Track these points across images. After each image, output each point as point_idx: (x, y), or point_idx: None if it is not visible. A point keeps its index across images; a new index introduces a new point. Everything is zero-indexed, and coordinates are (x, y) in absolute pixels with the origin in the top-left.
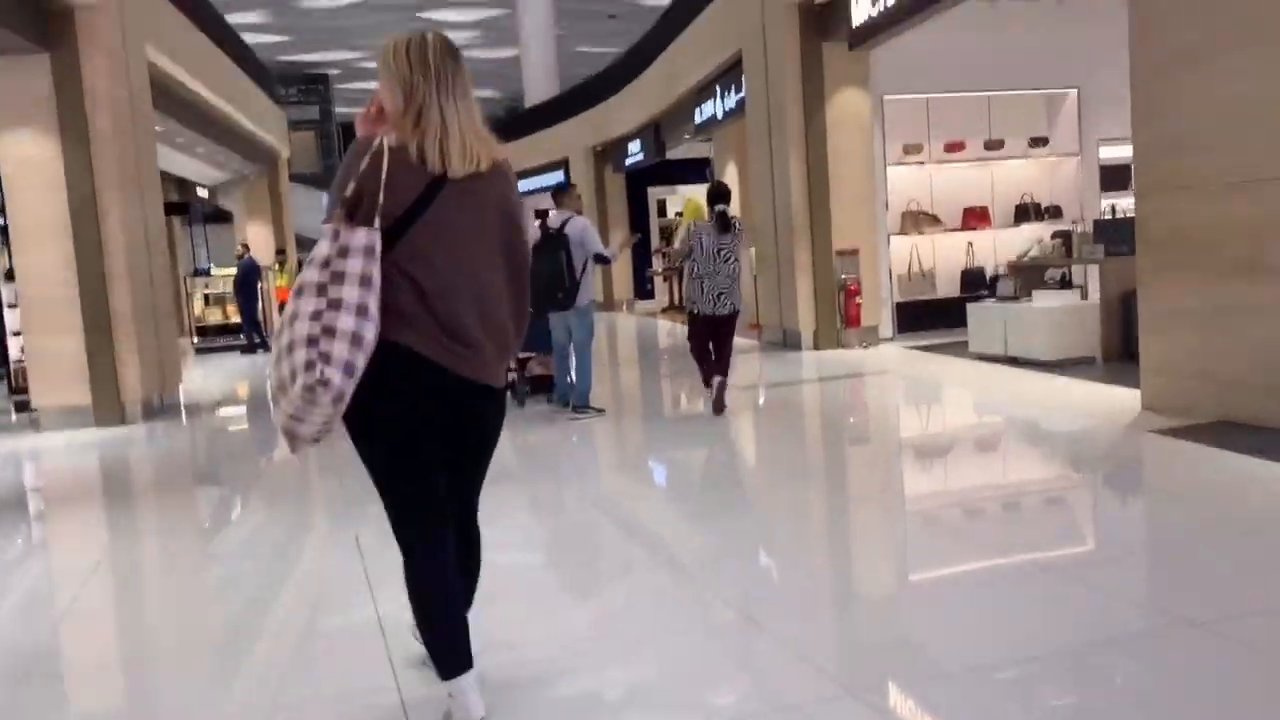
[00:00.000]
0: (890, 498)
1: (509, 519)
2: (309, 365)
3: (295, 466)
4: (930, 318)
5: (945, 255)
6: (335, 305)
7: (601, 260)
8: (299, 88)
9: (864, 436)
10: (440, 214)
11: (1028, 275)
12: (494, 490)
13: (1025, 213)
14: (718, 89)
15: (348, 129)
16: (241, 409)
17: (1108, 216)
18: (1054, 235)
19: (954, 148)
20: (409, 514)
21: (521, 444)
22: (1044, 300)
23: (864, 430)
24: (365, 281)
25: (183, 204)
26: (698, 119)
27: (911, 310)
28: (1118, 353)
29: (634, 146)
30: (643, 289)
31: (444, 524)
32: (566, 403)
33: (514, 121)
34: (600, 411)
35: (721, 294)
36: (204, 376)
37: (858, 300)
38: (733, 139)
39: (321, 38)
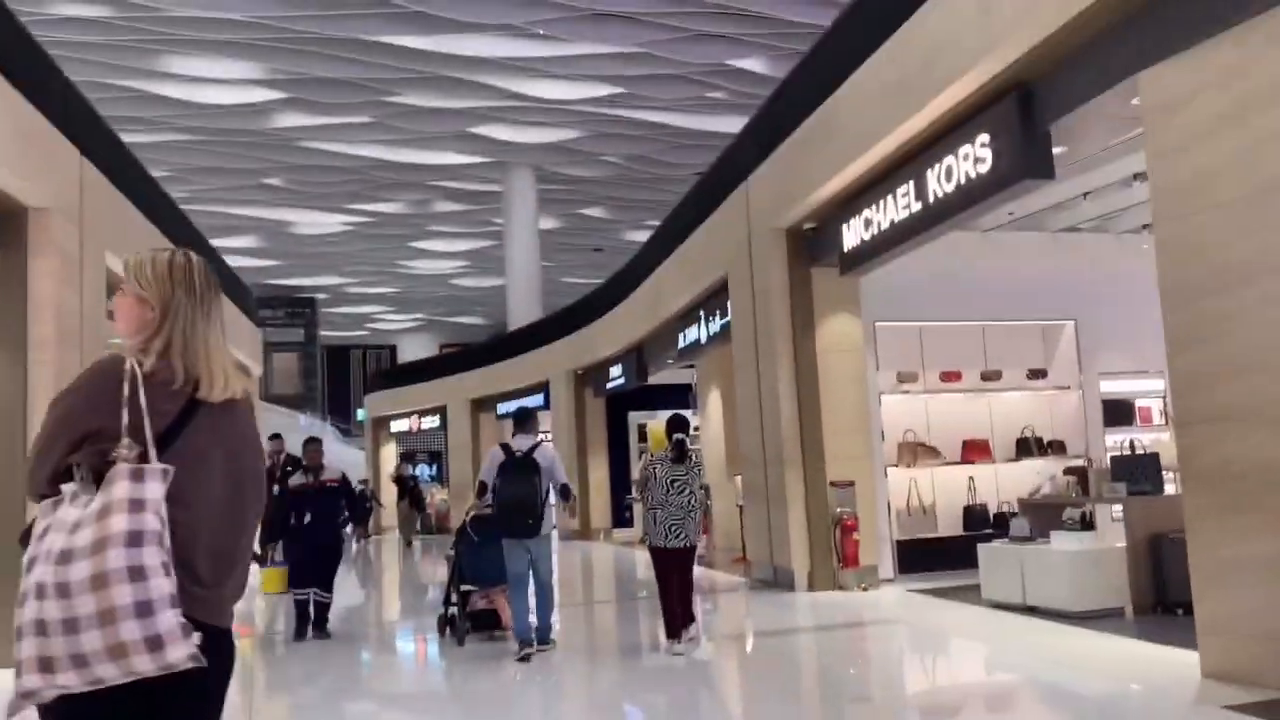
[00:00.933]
0: None
1: None
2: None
3: None
4: (932, 558)
5: (945, 490)
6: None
7: (564, 494)
8: (285, 310)
9: (874, 708)
10: (193, 441)
11: (1041, 514)
12: None
13: (1026, 446)
14: (701, 314)
15: (332, 352)
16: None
17: (1125, 452)
18: (1067, 471)
19: (950, 377)
20: None
21: (473, 693)
22: (1064, 543)
23: (874, 699)
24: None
25: None
26: (681, 344)
27: (912, 549)
28: (1149, 604)
29: (615, 371)
30: (621, 517)
31: None
32: (525, 641)
33: (496, 345)
34: (552, 644)
35: (674, 526)
36: None
37: (855, 537)
38: (716, 365)
39: (310, 263)
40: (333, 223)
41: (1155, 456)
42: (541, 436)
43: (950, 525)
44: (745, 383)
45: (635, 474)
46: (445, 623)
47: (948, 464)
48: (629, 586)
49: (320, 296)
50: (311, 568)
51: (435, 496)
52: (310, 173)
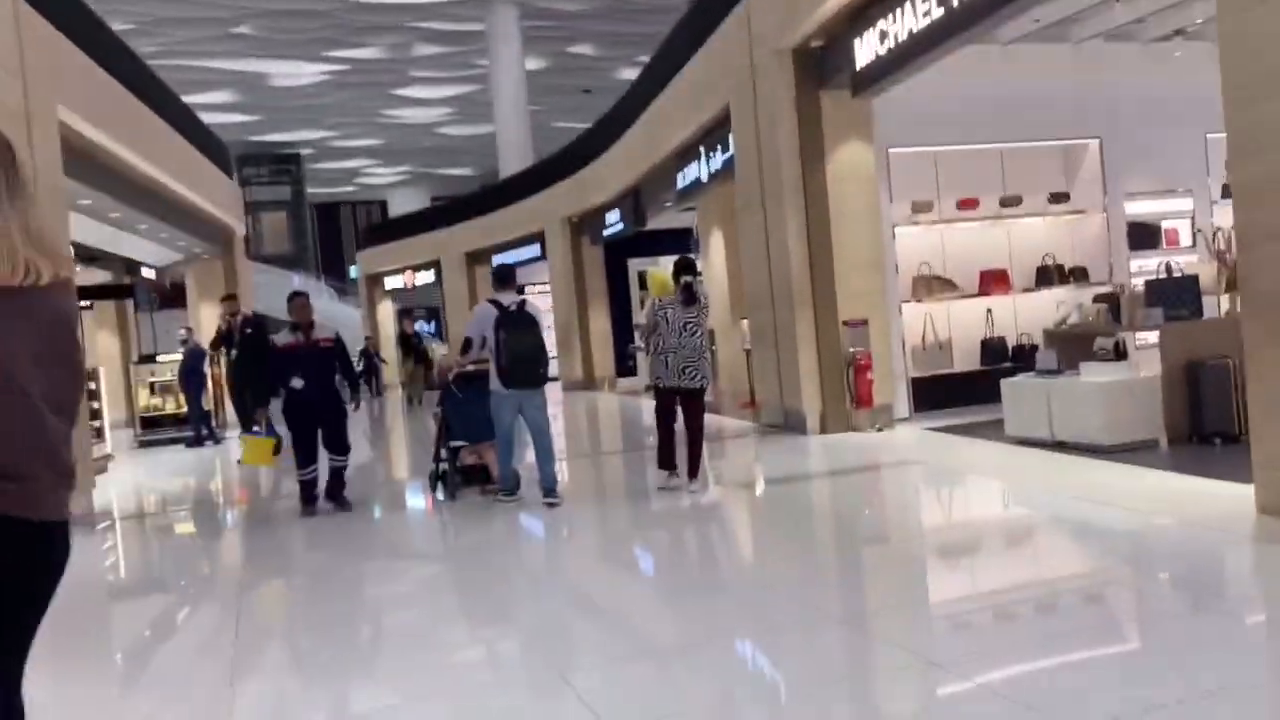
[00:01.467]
0: (945, 660)
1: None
2: None
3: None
4: (949, 395)
5: (962, 324)
6: None
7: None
8: (270, 168)
9: (891, 550)
10: None
11: (1068, 345)
12: None
13: (1047, 275)
14: (702, 150)
15: (321, 209)
16: (158, 519)
17: (1160, 275)
18: (1096, 299)
19: (967, 205)
20: None
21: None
22: (1095, 374)
23: (891, 540)
24: None
25: (126, 286)
26: (680, 184)
27: (928, 387)
28: (1184, 434)
29: (612, 216)
30: (624, 366)
31: None
32: (510, 492)
33: (488, 195)
34: (559, 499)
35: (687, 367)
36: (132, 476)
37: (869, 376)
38: (717, 205)
39: (292, 117)
40: (311, 72)
41: (1194, 279)
42: (524, 296)
43: (967, 360)
44: (750, 220)
45: (642, 319)
46: (436, 479)
47: (964, 297)
48: (636, 435)
49: (305, 152)
50: (309, 438)
51: (436, 353)
52: (282, 18)
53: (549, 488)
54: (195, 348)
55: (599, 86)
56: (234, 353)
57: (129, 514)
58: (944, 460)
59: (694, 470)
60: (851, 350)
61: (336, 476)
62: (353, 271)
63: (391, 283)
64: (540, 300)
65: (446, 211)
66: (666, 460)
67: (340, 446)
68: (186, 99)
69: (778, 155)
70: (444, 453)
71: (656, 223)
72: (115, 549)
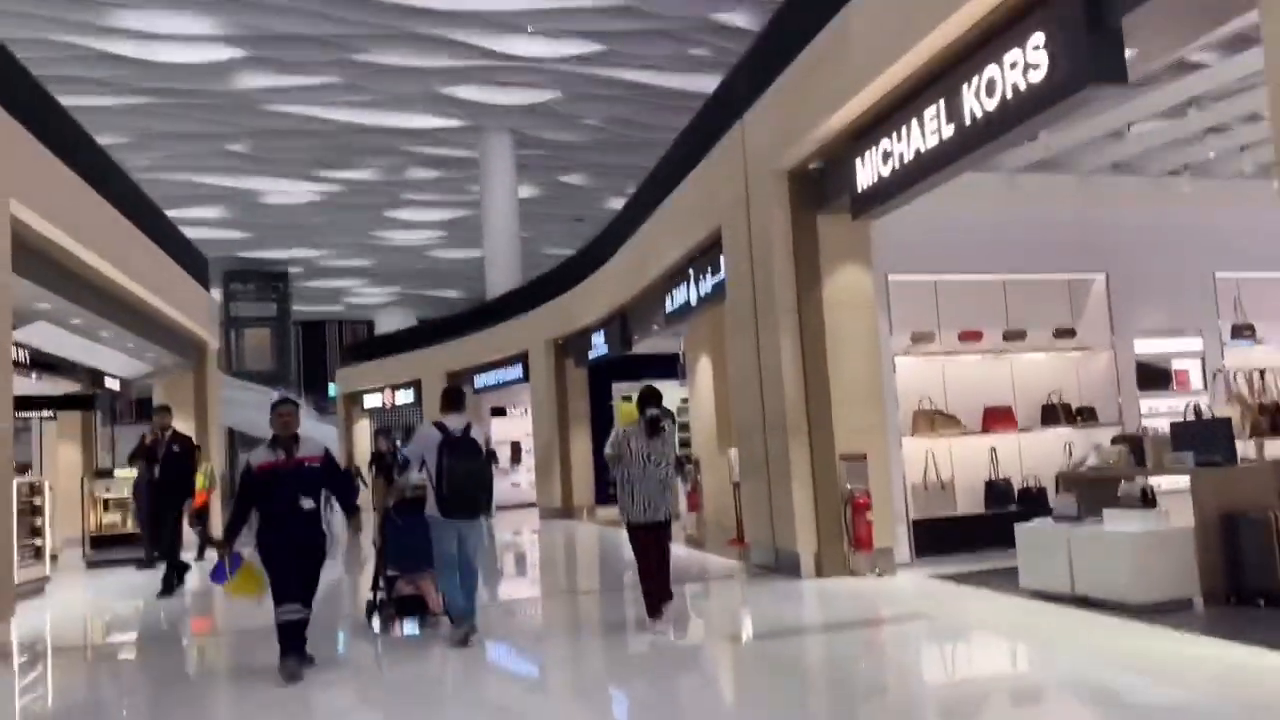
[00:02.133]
0: None
1: None
2: None
3: None
4: (952, 539)
5: (965, 463)
6: None
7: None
8: (256, 284)
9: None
10: None
11: (1085, 490)
12: None
13: (1053, 414)
14: (691, 273)
15: (307, 327)
16: (77, 655)
17: (1190, 418)
18: (1116, 440)
19: (969, 337)
20: None
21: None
22: (1122, 523)
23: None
24: None
25: (85, 397)
26: (669, 307)
27: (930, 530)
28: (1221, 592)
29: (598, 339)
30: (604, 493)
31: None
32: (461, 618)
33: (472, 315)
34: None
35: (651, 500)
36: (70, 601)
37: (868, 517)
38: (706, 330)
39: (282, 235)
40: (302, 191)
41: (1226, 422)
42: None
43: (971, 502)
44: (742, 345)
45: (608, 448)
46: (371, 608)
47: (967, 434)
48: (614, 568)
49: (293, 270)
50: (290, 572)
51: (412, 476)
52: (276, 138)
53: (468, 613)
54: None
55: (590, 215)
56: (155, 470)
57: (60, 645)
58: (952, 615)
59: (663, 599)
60: (849, 487)
61: (299, 629)
62: (331, 390)
63: (371, 401)
64: (520, 424)
65: (429, 330)
66: (652, 608)
67: (307, 597)
68: (176, 212)
69: (771, 278)
70: (381, 581)
71: (643, 347)
72: (27, 686)
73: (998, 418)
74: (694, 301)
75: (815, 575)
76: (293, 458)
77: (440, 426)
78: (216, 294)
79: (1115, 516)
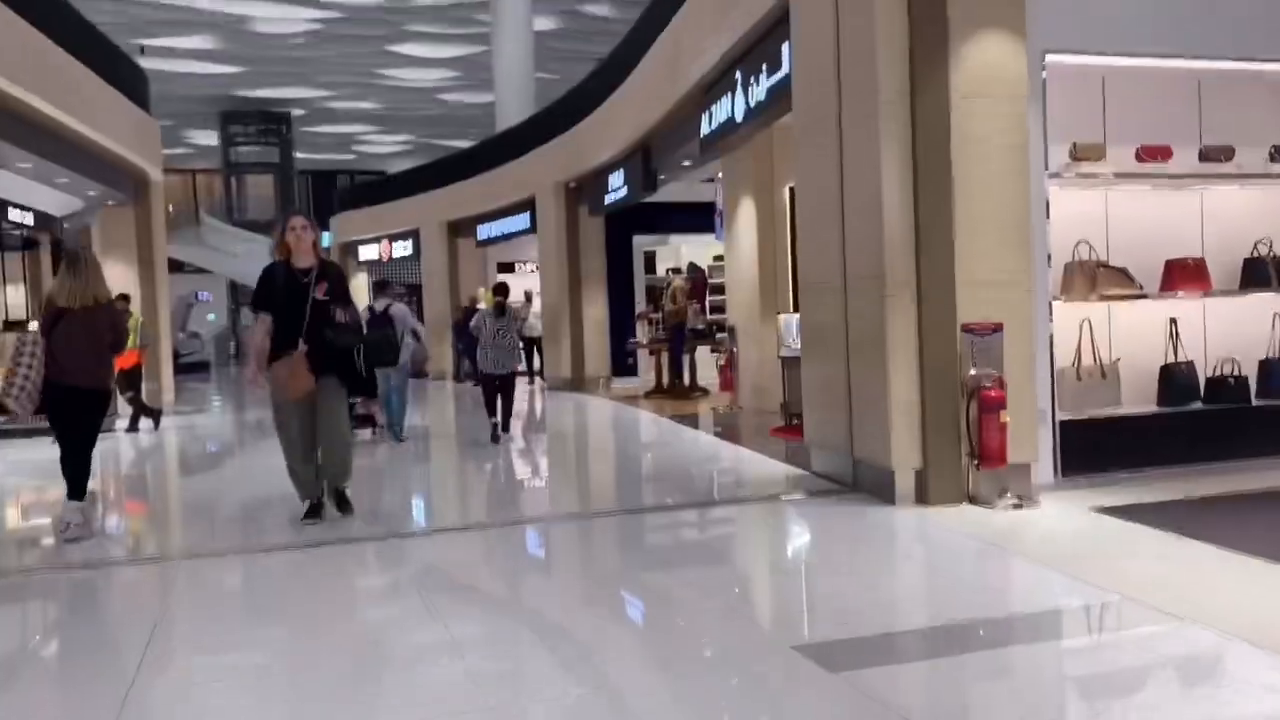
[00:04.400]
0: None
1: None
2: None
3: None
4: (1111, 448)
5: (1134, 338)
6: None
7: (416, 336)
8: (257, 127)
9: None
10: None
11: None
12: None
13: (1261, 271)
14: (738, 76)
15: (315, 176)
16: None
17: None
18: None
19: (1153, 155)
20: None
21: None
22: None
23: None
24: None
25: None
26: (705, 128)
27: (1083, 435)
28: None
29: (615, 180)
30: (623, 364)
31: None
32: (397, 435)
33: (472, 155)
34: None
35: (499, 360)
36: None
37: (1003, 418)
38: (751, 165)
39: (280, 72)
40: (297, 19)
41: None
42: (392, 300)
43: (1140, 396)
44: (816, 162)
45: (471, 325)
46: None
47: (1140, 296)
48: (633, 470)
49: (296, 113)
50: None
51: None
52: None
53: (397, 434)
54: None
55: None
56: None
57: None
58: (1181, 593)
59: (505, 425)
60: (975, 373)
61: None
62: (325, 239)
63: (366, 253)
64: (531, 281)
65: (424, 173)
66: (491, 411)
67: None
68: (161, 41)
69: (869, 53)
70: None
71: (670, 193)
72: None
73: (1183, 275)
74: (740, 116)
75: (916, 501)
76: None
77: (370, 308)
78: (213, 137)
79: None
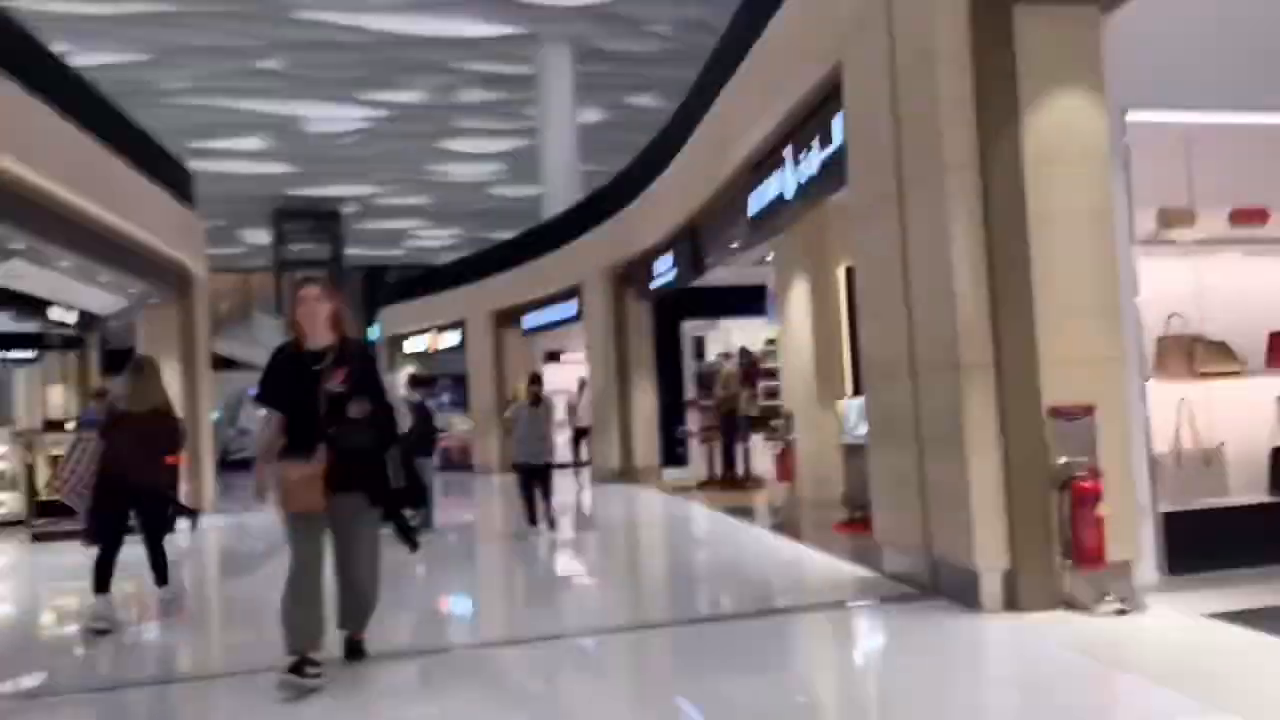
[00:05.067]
0: None
1: None
2: None
3: None
4: (1220, 542)
5: (1240, 420)
6: None
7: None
8: (310, 224)
9: None
10: None
11: None
12: None
13: None
14: (789, 150)
15: (369, 272)
16: None
17: None
18: None
19: (1247, 218)
20: None
21: None
22: None
23: None
24: None
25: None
26: (753, 209)
27: (1188, 528)
28: None
29: (662, 264)
30: (673, 454)
31: None
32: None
33: (518, 244)
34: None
35: (533, 451)
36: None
37: (1100, 510)
38: (803, 243)
39: (331, 169)
40: (347, 118)
41: None
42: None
43: (1248, 483)
44: (876, 237)
45: (506, 414)
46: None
47: (1242, 373)
48: (687, 570)
49: (347, 210)
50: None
51: (456, 425)
52: (311, 51)
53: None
54: (94, 416)
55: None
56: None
57: None
58: None
59: (550, 519)
60: (1065, 461)
61: None
62: (372, 332)
63: (413, 344)
64: (578, 372)
65: (471, 263)
66: (531, 518)
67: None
68: (217, 143)
69: (932, 118)
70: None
71: (718, 277)
72: None
73: None
74: (790, 193)
75: (1007, 606)
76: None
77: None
78: (266, 235)
79: None
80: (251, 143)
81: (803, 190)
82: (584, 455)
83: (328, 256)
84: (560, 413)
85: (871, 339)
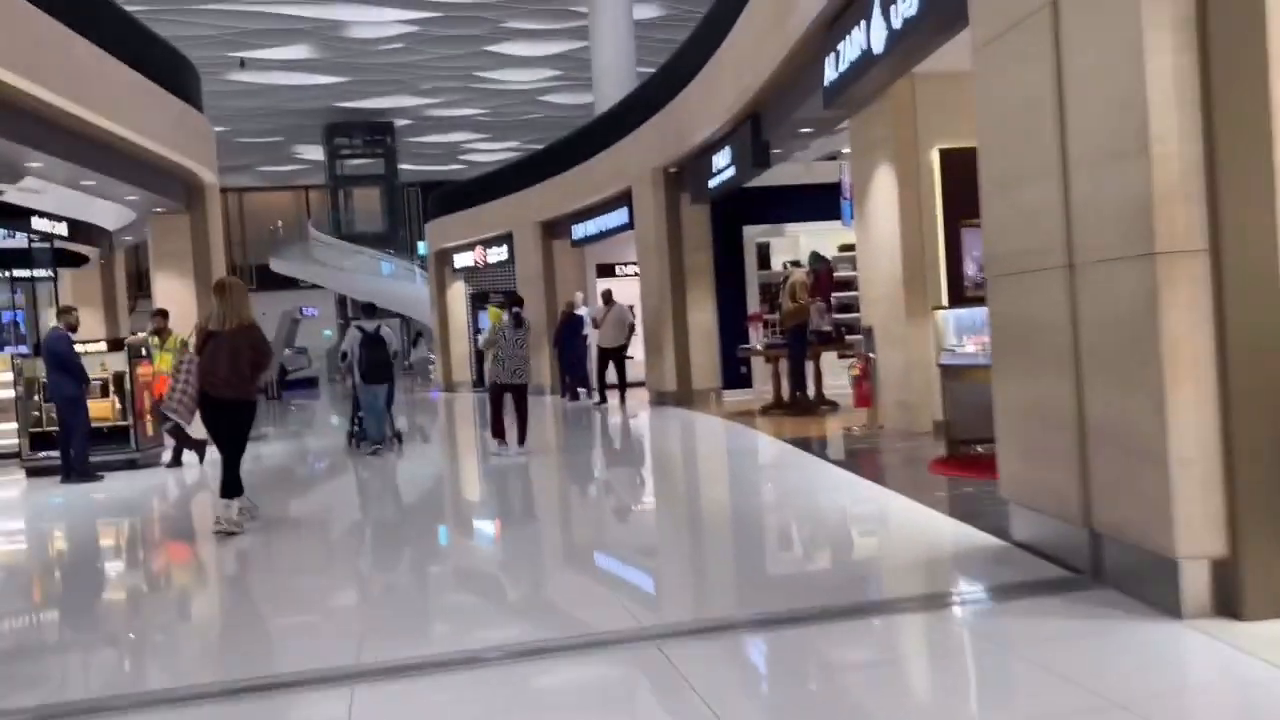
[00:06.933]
0: None
1: None
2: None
3: None
4: None
5: None
6: None
7: (395, 356)
8: (362, 139)
9: None
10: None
11: None
12: None
13: None
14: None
15: (426, 188)
16: None
17: None
18: None
19: None
20: None
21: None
22: None
23: None
24: None
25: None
26: (831, 73)
27: None
28: None
29: (721, 159)
30: (734, 374)
31: None
32: (376, 441)
33: (564, 149)
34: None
35: (515, 369)
36: None
37: None
38: (889, 118)
39: (380, 80)
40: (390, 21)
41: None
42: (381, 321)
43: None
44: (1015, 72)
45: (482, 340)
46: (350, 436)
47: None
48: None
49: (400, 123)
50: None
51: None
52: None
53: (373, 437)
54: (58, 335)
55: None
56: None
57: None
58: None
59: (522, 438)
60: None
61: None
62: (421, 247)
63: (461, 260)
64: (633, 286)
65: (518, 173)
66: (498, 432)
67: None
68: (264, 53)
69: None
70: (356, 421)
71: (783, 175)
72: None
73: None
74: (880, 46)
75: (1215, 611)
76: None
77: (360, 328)
78: (319, 152)
79: None
80: (297, 51)
81: (897, 38)
82: (608, 380)
83: (381, 172)
84: (588, 328)
85: (998, 223)
